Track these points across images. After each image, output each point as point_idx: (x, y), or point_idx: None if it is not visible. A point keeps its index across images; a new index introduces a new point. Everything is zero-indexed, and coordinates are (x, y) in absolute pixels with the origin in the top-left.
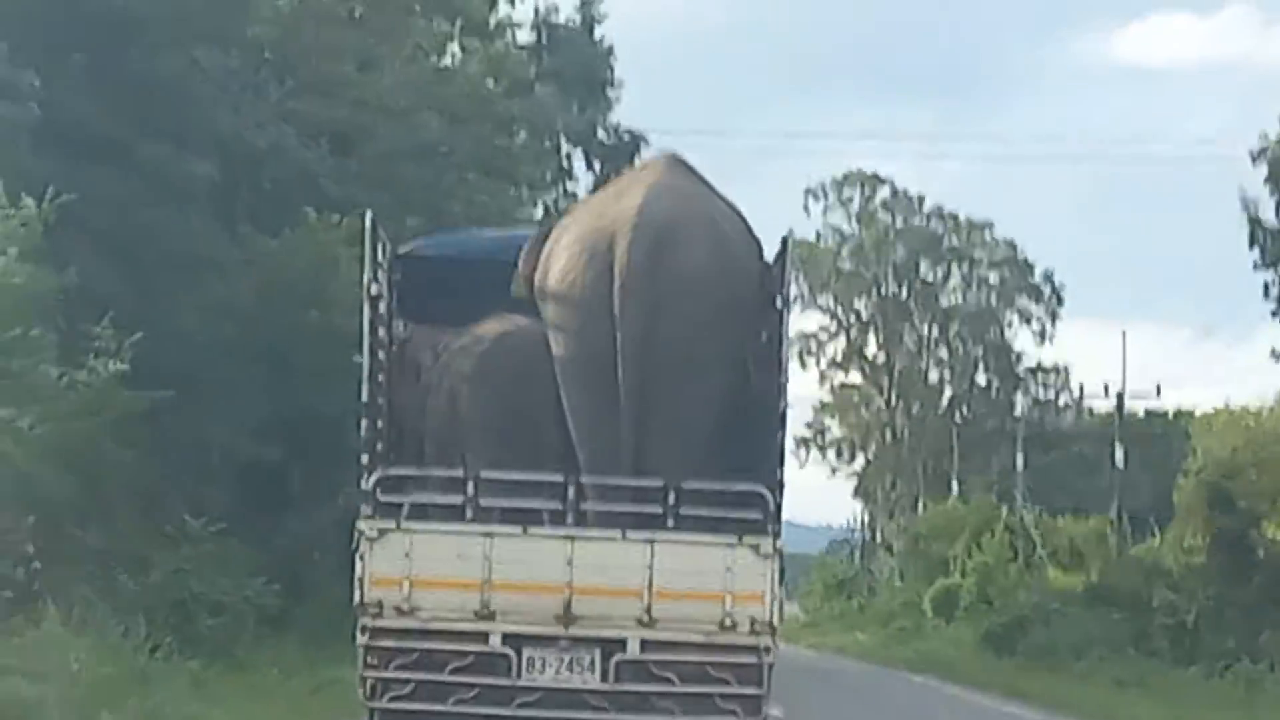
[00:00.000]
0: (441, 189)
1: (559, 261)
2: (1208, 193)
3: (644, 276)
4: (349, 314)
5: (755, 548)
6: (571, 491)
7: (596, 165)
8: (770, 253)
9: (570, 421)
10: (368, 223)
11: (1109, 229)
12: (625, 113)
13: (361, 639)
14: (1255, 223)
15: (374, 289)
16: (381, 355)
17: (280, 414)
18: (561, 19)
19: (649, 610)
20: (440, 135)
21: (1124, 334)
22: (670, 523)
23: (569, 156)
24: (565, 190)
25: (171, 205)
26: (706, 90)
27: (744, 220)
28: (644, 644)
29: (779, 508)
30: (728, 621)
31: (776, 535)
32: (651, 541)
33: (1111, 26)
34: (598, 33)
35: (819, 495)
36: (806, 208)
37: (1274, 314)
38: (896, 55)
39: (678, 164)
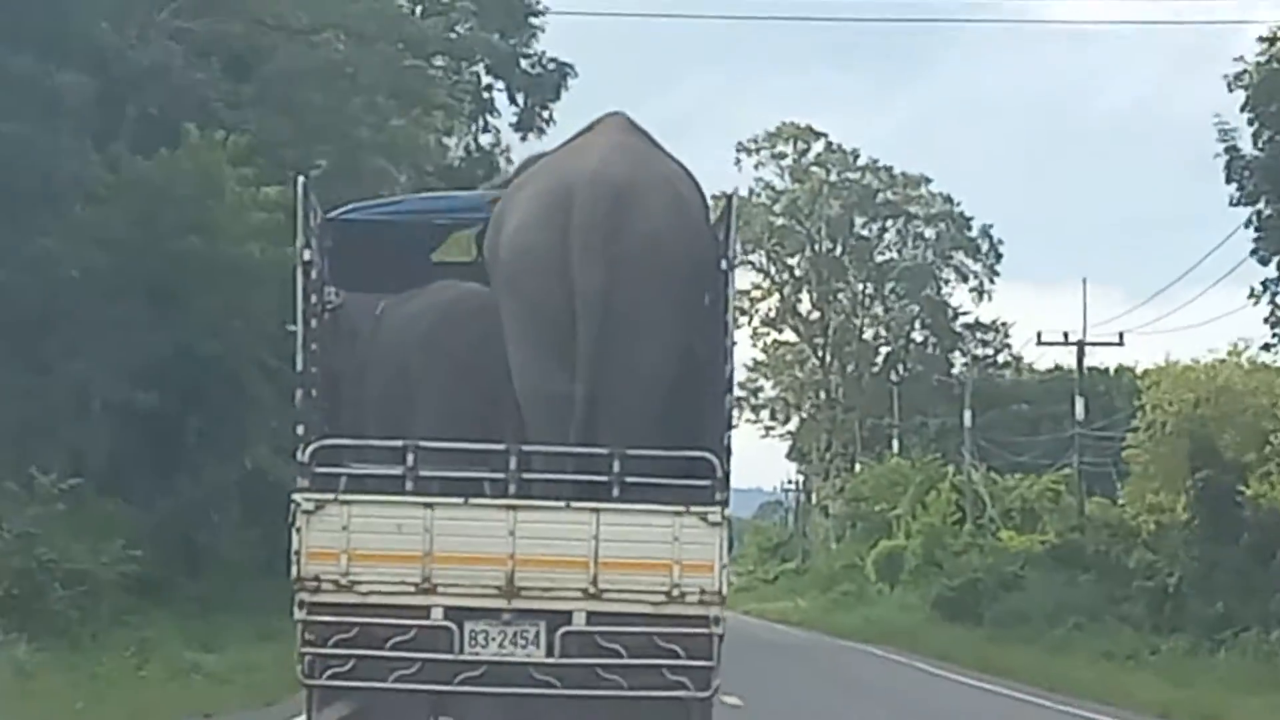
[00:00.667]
0: (347, 114)
1: (512, 219)
2: (1141, 153)
3: (604, 235)
4: (237, 242)
5: (703, 516)
6: (514, 461)
7: (520, 98)
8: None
9: (517, 386)
10: (299, 188)
11: (1043, 190)
12: (550, 43)
13: (299, 614)
14: (1233, 152)
15: (306, 255)
16: (315, 323)
17: (166, 356)
18: None
19: (595, 581)
20: (346, 56)
21: (1084, 281)
22: (616, 491)
23: (489, 89)
24: (486, 125)
25: (35, 121)
26: (628, 53)
27: (695, 181)
28: (590, 616)
29: (727, 475)
30: (676, 592)
31: (724, 503)
32: (597, 510)
33: None
34: None
35: (750, 458)
36: (738, 162)
37: (1253, 252)
38: (825, 20)
39: (628, 124)
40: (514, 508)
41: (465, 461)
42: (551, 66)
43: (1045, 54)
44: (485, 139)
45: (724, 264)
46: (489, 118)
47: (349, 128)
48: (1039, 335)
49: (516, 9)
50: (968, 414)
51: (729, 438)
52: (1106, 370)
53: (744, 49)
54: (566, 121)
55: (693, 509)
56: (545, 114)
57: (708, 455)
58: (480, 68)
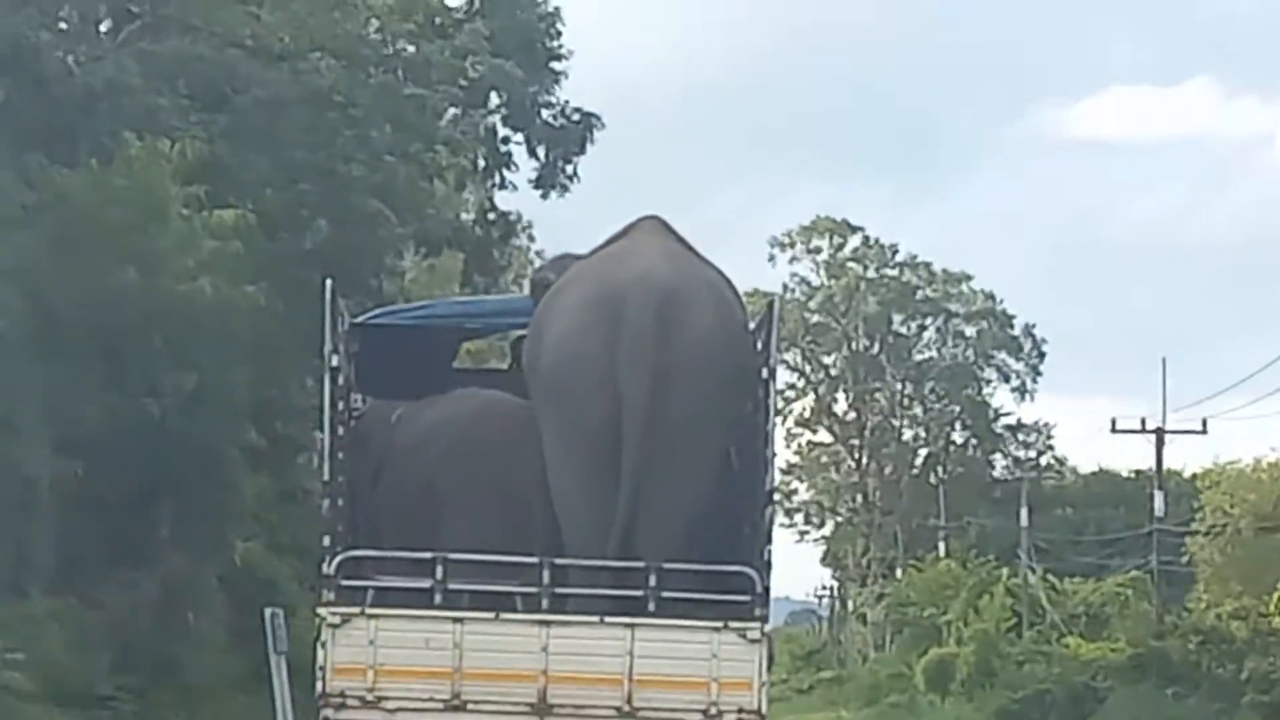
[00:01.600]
0: (336, 148)
1: (555, 327)
2: (1165, 269)
3: (653, 344)
4: (180, 278)
5: (742, 632)
6: (547, 574)
7: (541, 150)
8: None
9: (555, 498)
10: (327, 290)
11: (1072, 300)
12: (574, 92)
13: None
14: None
15: (334, 360)
16: (341, 431)
17: (117, 426)
18: None
19: (629, 699)
20: (334, 83)
21: (1164, 361)
22: (652, 606)
23: (506, 140)
24: (503, 180)
25: None
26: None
27: (733, 286)
28: None
29: (767, 590)
30: (713, 710)
31: (764, 619)
32: (632, 626)
33: (1066, 102)
34: None
35: (776, 565)
36: (772, 258)
37: None
38: (853, 130)
39: (664, 227)
40: (546, 623)
41: (496, 575)
42: (576, 117)
43: (1076, 166)
44: (501, 197)
45: (765, 371)
46: (505, 172)
47: (336, 164)
48: (1114, 422)
49: (538, 52)
50: (1024, 512)
51: (769, 551)
52: (1147, 472)
53: (769, 162)
54: (591, 180)
55: (731, 625)
56: (569, 168)
57: (747, 570)
58: (496, 118)
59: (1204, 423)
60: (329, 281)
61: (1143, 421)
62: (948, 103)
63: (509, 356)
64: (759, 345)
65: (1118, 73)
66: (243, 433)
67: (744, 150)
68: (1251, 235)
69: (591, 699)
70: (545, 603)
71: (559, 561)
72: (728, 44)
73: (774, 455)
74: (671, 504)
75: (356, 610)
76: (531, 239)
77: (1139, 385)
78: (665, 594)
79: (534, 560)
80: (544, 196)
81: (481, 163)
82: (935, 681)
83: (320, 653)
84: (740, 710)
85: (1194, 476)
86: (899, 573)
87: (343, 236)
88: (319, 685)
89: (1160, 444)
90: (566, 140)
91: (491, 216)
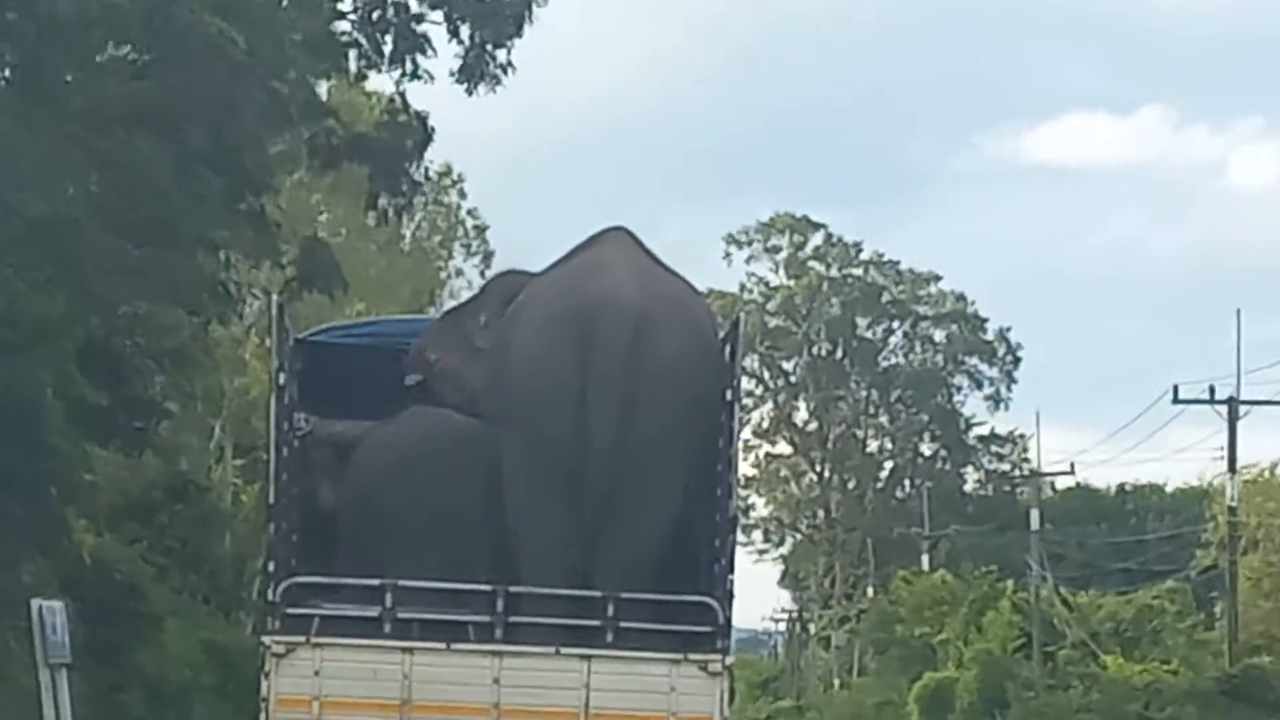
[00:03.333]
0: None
1: (521, 346)
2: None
3: (624, 368)
4: None
5: (703, 665)
6: (500, 603)
7: (465, 33)
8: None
9: (514, 520)
10: (273, 307)
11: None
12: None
13: None
14: None
15: (280, 379)
16: (285, 451)
17: None
18: None
19: None
20: None
21: (1238, 311)
22: (610, 637)
23: (420, 19)
24: (416, 69)
25: None
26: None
27: (703, 301)
28: None
29: (728, 620)
30: None
31: (726, 651)
32: (589, 657)
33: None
34: None
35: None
36: (728, 255)
37: None
38: (807, 155)
39: (631, 240)
40: (499, 654)
41: (447, 603)
42: None
43: (1030, 192)
44: (415, 92)
45: (729, 393)
46: (420, 58)
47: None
48: (1175, 390)
49: None
50: (1035, 515)
51: (731, 581)
52: (1123, 488)
53: (722, 187)
54: (529, 72)
55: (691, 657)
56: (501, 55)
57: (708, 600)
58: None
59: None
60: (274, 297)
61: (1211, 390)
62: (903, 128)
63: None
64: (727, 366)
65: (1073, 99)
66: (68, 380)
67: (694, 175)
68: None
69: None
70: (499, 632)
71: (513, 589)
72: (679, 67)
73: (738, 481)
74: (634, 531)
75: (301, 639)
76: (463, 195)
77: (1094, 413)
78: (623, 624)
79: (488, 588)
80: (469, 91)
81: (389, 47)
82: (931, 710)
83: (264, 684)
84: None
85: (1208, 487)
86: (870, 591)
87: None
88: (262, 717)
89: (1234, 415)
90: (497, 19)
91: (403, 119)
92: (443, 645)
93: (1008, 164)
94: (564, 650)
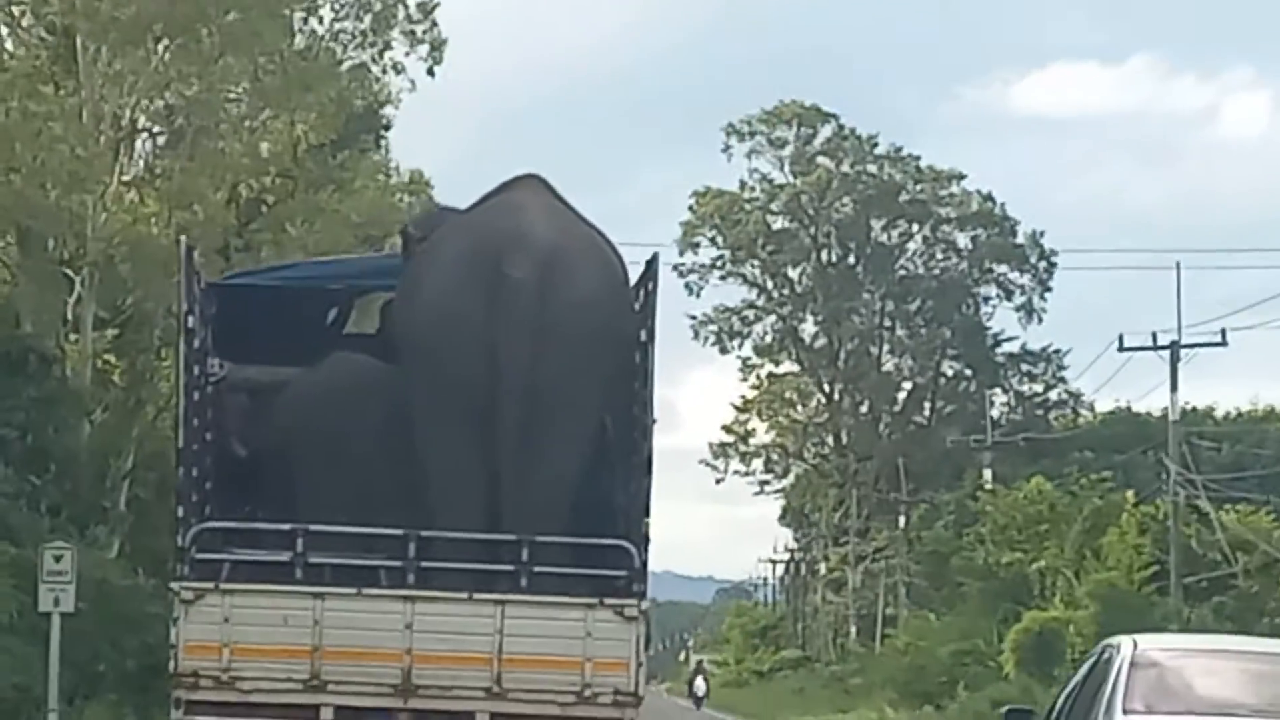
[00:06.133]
0: None
1: (431, 284)
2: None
3: (533, 305)
4: None
5: (619, 609)
6: (412, 547)
7: None
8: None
9: (424, 462)
10: (182, 250)
11: None
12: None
13: (175, 714)
14: None
15: (190, 322)
16: (197, 396)
17: None
18: None
19: (499, 679)
20: None
21: (1178, 264)
22: (524, 582)
23: None
24: None
25: None
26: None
27: (614, 246)
28: (493, 718)
29: (644, 564)
30: (587, 692)
31: (641, 595)
32: (502, 602)
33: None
34: None
35: (699, 540)
36: (727, 149)
37: None
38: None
39: (544, 185)
40: (411, 599)
41: (359, 548)
42: None
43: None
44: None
45: (643, 334)
46: None
47: None
48: (1120, 339)
49: None
50: (1172, 396)
51: (647, 524)
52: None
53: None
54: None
55: (607, 601)
56: None
57: (624, 543)
58: None
59: (1223, 334)
60: (182, 239)
61: (1153, 337)
62: (892, 78)
63: (378, 319)
64: (638, 306)
65: (1061, 50)
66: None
67: (678, 125)
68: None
69: (458, 679)
70: (411, 578)
71: (425, 534)
72: (671, 19)
73: (653, 422)
74: (546, 472)
75: (210, 585)
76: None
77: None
78: (537, 569)
79: (399, 532)
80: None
81: None
82: (1033, 660)
83: (173, 630)
84: (616, 692)
85: None
86: (902, 520)
87: None
88: (171, 664)
89: (1175, 360)
90: None
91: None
92: (353, 590)
93: (995, 113)
94: (477, 595)
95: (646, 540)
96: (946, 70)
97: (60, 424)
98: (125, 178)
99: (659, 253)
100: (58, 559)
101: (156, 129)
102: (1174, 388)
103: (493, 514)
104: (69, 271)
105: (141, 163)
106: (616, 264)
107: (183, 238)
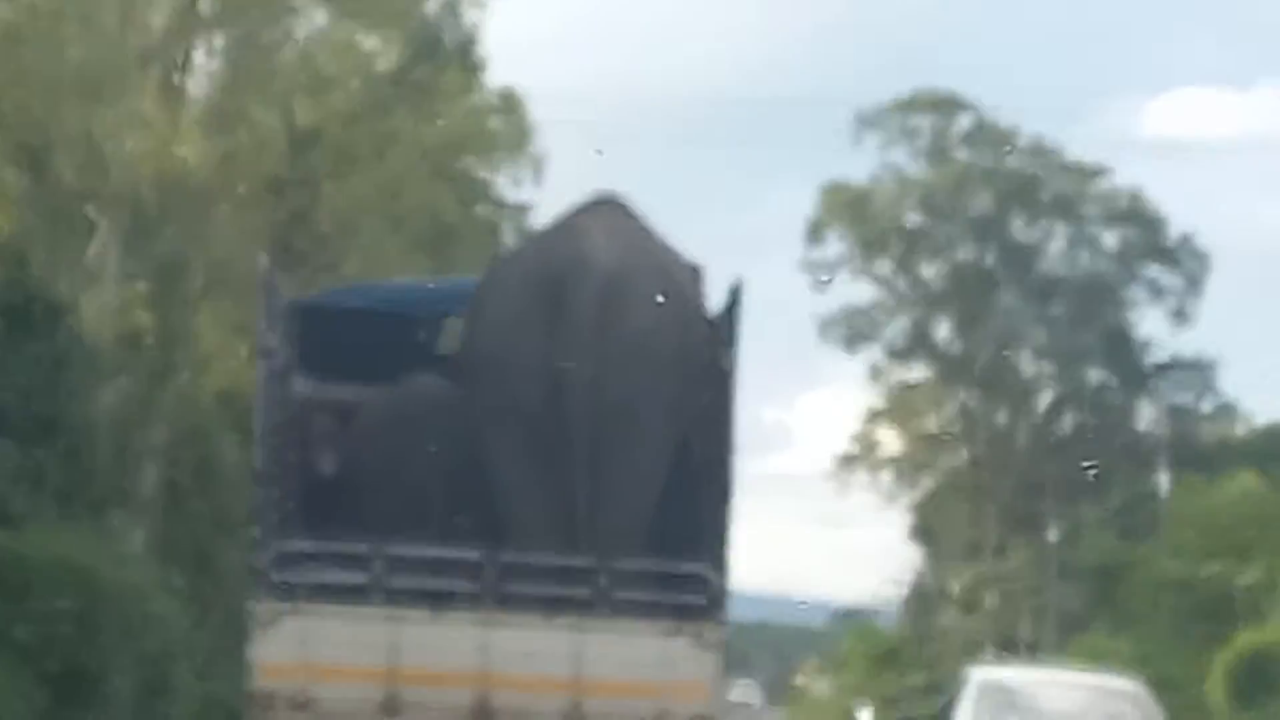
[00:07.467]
0: None
1: (494, 308)
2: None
3: (593, 331)
4: None
5: (696, 636)
6: (490, 571)
7: None
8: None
9: (500, 491)
10: (260, 270)
11: None
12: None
13: None
14: None
15: (270, 341)
16: (279, 416)
17: None
18: None
19: (576, 705)
20: None
21: None
22: (602, 606)
23: None
24: None
25: None
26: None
27: (693, 269)
28: None
29: (723, 590)
30: (665, 718)
31: (720, 622)
32: (579, 627)
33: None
34: None
35: (822, 567)
36: (859, 140)
37: None
38: None
39: (621, 207)
40: (488, 623)
41: (436, 571)
42: None
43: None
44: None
45: (724, 363)
46: None
47: None
48: None
49: None
50: None
51: (726, 551)
52: None
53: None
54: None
55: (685, 627)
56: None
57: (701, 570)
58: None
59: None
60: (262, 259)
61: None
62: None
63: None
64: (720, 334)
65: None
66: None
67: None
68: None
69: (535, 704)
70: (489, 602)
71: (504, 559)
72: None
73: (734, 451)
74: (622, 496)
75: (287, 607)
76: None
77: None
78: (616, 595)
79: (476, 555)
80: None
81: None
82: (1245, 691)
83: (250, 651)
84: (694, 717)
85: None
86: (1051, 534)
87: None
88: (248, 686)
89: None
90: None
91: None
92: (429, 613)
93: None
94: (554, 620)
95: (725, 567)
96: (1074, 94)
97: (72, 389)
98: (155, 93)
99: (742, 282)
100: None
101: (196, 34)
102: None
103: (569, 538)
104: (89, 209)
105: (175, 76)
106: (685, 289)
107: (262, 257)
